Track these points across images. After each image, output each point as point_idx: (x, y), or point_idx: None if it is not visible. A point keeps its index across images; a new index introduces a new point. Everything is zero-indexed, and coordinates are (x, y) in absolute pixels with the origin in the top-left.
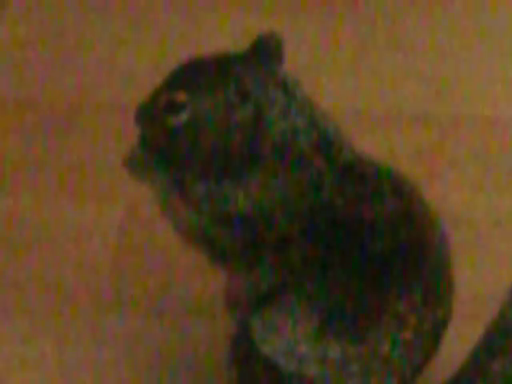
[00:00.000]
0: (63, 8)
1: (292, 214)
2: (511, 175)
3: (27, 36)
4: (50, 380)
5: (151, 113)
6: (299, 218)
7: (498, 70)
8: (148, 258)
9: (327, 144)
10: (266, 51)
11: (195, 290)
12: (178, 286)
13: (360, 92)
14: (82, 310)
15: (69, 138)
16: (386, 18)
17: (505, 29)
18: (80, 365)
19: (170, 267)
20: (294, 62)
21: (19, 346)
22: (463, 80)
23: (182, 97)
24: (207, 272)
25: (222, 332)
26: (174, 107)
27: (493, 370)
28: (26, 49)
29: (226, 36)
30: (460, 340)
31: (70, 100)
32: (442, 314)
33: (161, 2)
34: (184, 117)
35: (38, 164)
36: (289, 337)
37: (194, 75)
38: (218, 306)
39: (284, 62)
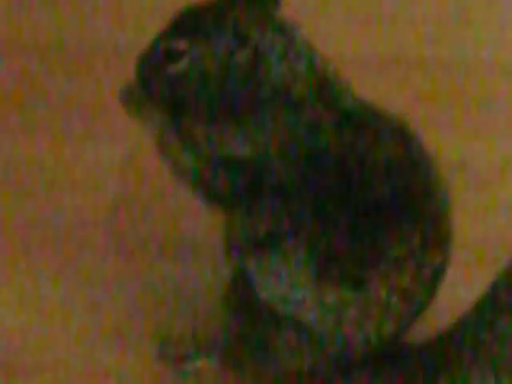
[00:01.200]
0: None
1: (291, 159)
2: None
3: None
4: (50, 322)
5: (152, 61)
6: (298, 163)
7: (502, 15)
8: (146, 202)
9: (326, 89)
10: None
11: (192, 234)
12: (177, 231)
13: (360, 37)
14: (82, 251)
15: (79, 81)
16: None
17: None
18: (79, 306)
19: (168, 211)
20: (295, 6)
21: (19, 289)
22: (465, 24)
23: (181, 45)
24: (206, 216)
25: (221, 276)
26: (173, 55)
27: (499, 326)
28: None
29: None
30: (460, 286)
31: (81, 44)
32: (440, 260)
33: None
34: (184, 64)
35: (48, 107)
36: (286, 282)
37: (193, 23)
38: (216, 249)
39: (282, 5)
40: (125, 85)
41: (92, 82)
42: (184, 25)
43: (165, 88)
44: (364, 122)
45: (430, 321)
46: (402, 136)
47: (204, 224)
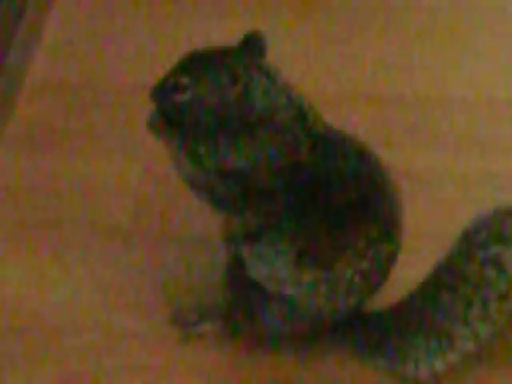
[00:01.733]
0: (97, 12)
1: (275, 171)
2: (459, 140)
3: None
4: (88, 296)
5: (162, 92)
6: (281, 173)
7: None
8: (162, 204)
9: (303, 117)
10: (252, 45)
11: (199, 229)
12: (186, 226)
13: (321, 76)
14: (113, 241)
15: (100, 112)
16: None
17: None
18: (109, 284)
19: (179, 211)
20: (276, 52)
21: (63, 271)
22: (409, 63)
23: (185, 81)
24: (209, 215)
25: (220, 261)
26: (179, 88)
27: (441, 300)
28: (71, 44)
29: (223, 34)
30: (409, 268)
31: (98, 81)
32: (393, 248)
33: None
34: (187, 96)
35: (77, 133)
36: (272, 265)
37: (196, 63)
38: (217, 240)
39: (266, 54)
40: (149, 114)
41: (118, 113)
42: (188, 65)
43: (173, 113)
44: (333, 143)
45: (386, 295)
46: (363, 153)
47: (207, 221)
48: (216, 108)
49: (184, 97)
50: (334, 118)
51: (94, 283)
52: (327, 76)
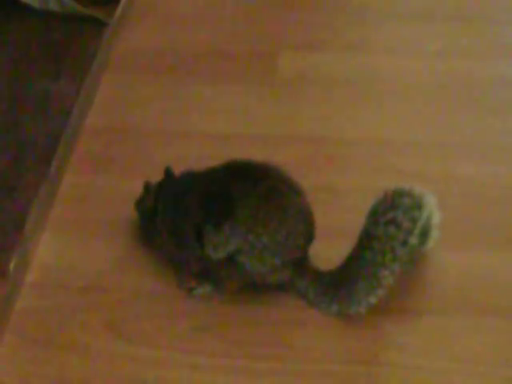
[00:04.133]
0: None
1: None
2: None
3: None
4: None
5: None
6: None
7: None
8: None
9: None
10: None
11: None
12: None
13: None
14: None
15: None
16: None
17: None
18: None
19: None
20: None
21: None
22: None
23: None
24: None
25: None
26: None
27: (366, 256)
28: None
29: None
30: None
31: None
32: (308, 230)
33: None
34: (143, 206)
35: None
36: (226, 242)
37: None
38: None
39: None
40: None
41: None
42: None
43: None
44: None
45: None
46: (269, 173)
47: None
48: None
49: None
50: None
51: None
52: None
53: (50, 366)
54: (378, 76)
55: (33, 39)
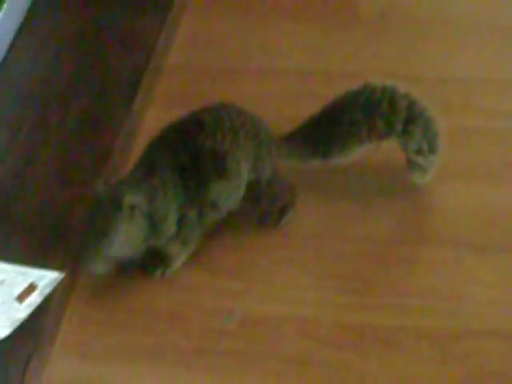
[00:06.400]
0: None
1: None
2: None
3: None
4: None
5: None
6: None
7: None
8: None
9: None
10: None
11: None
12: None
13: None
14: None
15: None
16: None
17: None
18: None
19: None
20: None
21: None
22: None
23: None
24: None
25: None
26: None
27: (346, 119)
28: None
29: None
30: None
31: None
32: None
33: None
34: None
35: None
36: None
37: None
38: None
39: None
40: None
41: None
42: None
43: None
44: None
45: None
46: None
47: None
48: None
49: None
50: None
51: None
52: None
53: (140, 295)
54: (450, 14)
55: None
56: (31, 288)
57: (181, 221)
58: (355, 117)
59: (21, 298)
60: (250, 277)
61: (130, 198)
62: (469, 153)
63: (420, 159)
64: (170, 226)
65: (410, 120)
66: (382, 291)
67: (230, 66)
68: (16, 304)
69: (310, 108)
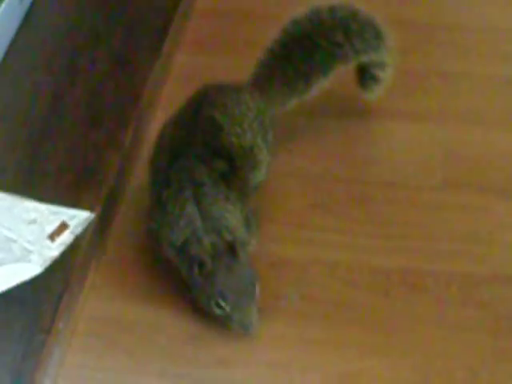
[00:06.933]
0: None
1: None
2: None
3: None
4: None
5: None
6: None
7: None
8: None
9: None
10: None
11: None
12: None
13: None
14: None
15: None
16: None
17: None
18: None
19: None
20: None
21: None
22: None
23: None
24: None
25: None
26: None
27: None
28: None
29: None
30: None
31: None
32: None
33: None
34: None
35: None
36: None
37: None
38: None
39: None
40: None
41: None
42: None
43: None
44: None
45: None
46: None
47: None
48: None
49: None
50: None
51: None
52: None
53: None
54: None
55: None
56: (63, 227)
57: (246, 220)
58: (337, 39)
59: (52, 236)
60: (282, 220)
61: (237, 242)
62: (492, 100)
63: (381, 73)
64: (243, 234)
65: (378, 33)
66: (412, 235)
67: (258, 10)
68: (48, 242)
69: None
